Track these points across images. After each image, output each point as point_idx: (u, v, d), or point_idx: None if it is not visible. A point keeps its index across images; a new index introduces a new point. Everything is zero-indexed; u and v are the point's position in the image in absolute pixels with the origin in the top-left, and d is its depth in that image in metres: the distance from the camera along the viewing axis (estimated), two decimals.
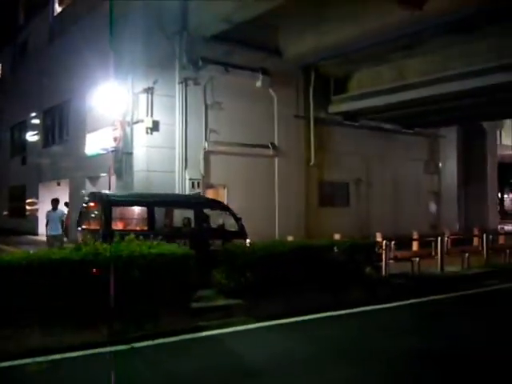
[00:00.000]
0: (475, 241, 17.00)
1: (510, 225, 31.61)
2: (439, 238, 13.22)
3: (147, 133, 16.16)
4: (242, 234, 11.31)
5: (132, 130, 16.35)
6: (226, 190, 17.57)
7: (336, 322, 8.54)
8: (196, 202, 12.38)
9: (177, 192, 16.41)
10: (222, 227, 11.88)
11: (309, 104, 20.16)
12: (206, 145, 17.32)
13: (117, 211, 10.84)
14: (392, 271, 11.59)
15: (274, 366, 6.12)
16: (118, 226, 10.76)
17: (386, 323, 8.50)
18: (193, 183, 16.73)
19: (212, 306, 8.59)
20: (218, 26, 16.30)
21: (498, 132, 30.92)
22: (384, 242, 11.78)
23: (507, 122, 30.88)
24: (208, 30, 16.70)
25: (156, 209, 10.88)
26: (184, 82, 16.85)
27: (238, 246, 9.63)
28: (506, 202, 59.85)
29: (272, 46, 18.20)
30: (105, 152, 17.31)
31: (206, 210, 11.73)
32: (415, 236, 15.96)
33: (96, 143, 17.99)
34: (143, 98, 16.22)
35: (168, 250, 7.98)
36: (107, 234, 9.53)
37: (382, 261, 11.40)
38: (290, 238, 12.33)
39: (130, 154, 16.34)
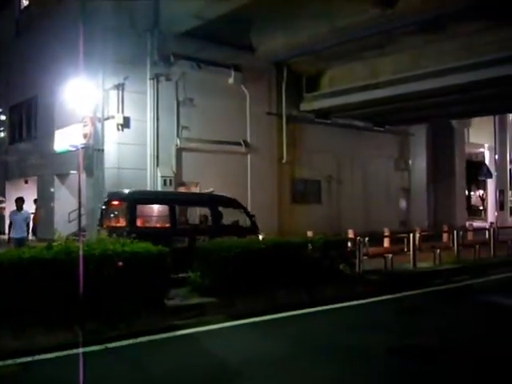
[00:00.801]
0: (445, 237, 17.23)
1: (478, 221, 32.19)
2: (411, 235, 13.33)
3: (118, 129, 15.95)
4: (254, 229, 12.03)
5: (103, 126, 16.12)
6: (198, 187, 17.43)
7: (312, 319, 8.52)
8: (212, 200, 12.73)
9: (148, 189, 16.28)
10: (236, 223, 12.28)
11: (281, 101, 20.17)
12: (178, 142, 17.18)
13: (140, 209, 11.13)
14: (366, 267, 11.63)
15: (250, 365, 6.05)
16: (141, 223, 11.08)
17: (362, 320, 8.52)
18: (165, 180, 16.58)
19: (187, 304, 8.48)
20: (190, 22, 16.16)
21: (466, 130, 31.43)
22: (358, 238, 11.81)
23: (475, 120, 31.39)
24: (180, 26, 16.56)
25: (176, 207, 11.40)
26: (155, 78, 16.69)
27: (212, 243, 9.52)
28: (473, 199, 60.95)
29: (245, 42, 18.12)
30: (74, 149, 16.99)
31: (220, 208, 12.14)
32: (387, 233, 16.08)
33: (65, 140, 17.65)
34: (114, 94, 16.00)
35: (142, 248, 7.84)
36: (133, 231, 9.66)
37: (355, 257, 11.43)
38: (261, 236, 12.33)
39: (101, 150, 16.10)
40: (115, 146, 16.01)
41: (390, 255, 12.56)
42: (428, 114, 23.24)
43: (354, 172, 23.47)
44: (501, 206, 32.64)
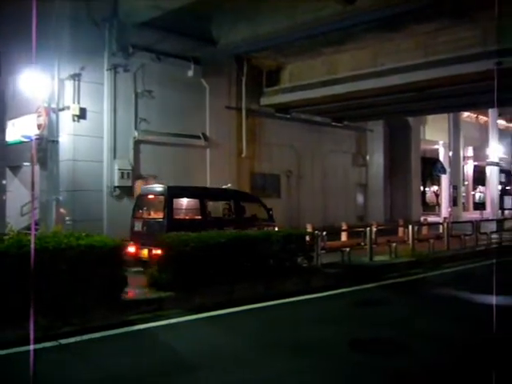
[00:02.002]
0: (400, 231, 17.57)
1: (432, 216, 32.93)
2: (368, 229, 13.51)
3: (74, 120, 15.56)
4: (271, 221, 13.78)
5: (57, 117, 15.68)
6: (156, 180, 17.21)
7: (270, 312, 8.53)
8: (235, 196, 14.32)
9: (105, 182, 16.05)
10: (254, 216, 13.80)
11: (241, 95, 20.11)
12: (136, 134, 16.92)
13: (175, 203, 12.29)
14: (324, 261, 11.72)
15: (207, 360, 6.00)
16: (177, 215, 12.32)
17: (320, 313, 8.58)
18: (122, 173, 16.30)
19: (144, 298, 8.37)
20: (149, 12, 15.88)
21: (422, 127, 32.09)
22: (316, 232, 11.89)
23: (430, 117, 32.08)
24: (139, 16, 16.25)
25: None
26: (113, 68, 16.35)
27: (169, 237, 9.42)
28: (428, 195, 62.34)
29: (205, 35, 17.94)
30: (27, 140, 16.48)
31: (242, 202, 13.81)
32: (344, 227, 16.31)
33: (18, 130, 17.12)
34: (70, 84, 15.57)
35: (98, 242, 7.67)
36: (171, 222, 11.38)
37: (313, 251, 11.50)
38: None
39: (55, 142, 15.67)
40: (70, 138, 15.61)
41: (348, 249, 12.69)
42: (385, 110, 23.58)
43: (313, 167, 23.65)
44: (454, 201, 33.48)
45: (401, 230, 17.49)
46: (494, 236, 18.25)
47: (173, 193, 12.25)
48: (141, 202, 12.94)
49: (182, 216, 12.67)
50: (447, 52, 15.90)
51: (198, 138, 18.54)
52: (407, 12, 15.01)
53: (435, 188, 51.93)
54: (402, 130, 29.16)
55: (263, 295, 9.23)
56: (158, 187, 12.85)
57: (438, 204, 42.11)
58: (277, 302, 9.01)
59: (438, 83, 17.36)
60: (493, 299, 9.08)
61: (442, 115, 32.55)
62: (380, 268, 12.59)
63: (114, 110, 16.42)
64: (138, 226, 12.38)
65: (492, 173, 40.85)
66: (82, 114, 15.71)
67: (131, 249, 11.60)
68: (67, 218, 14.99)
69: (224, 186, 16.02)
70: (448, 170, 32.44)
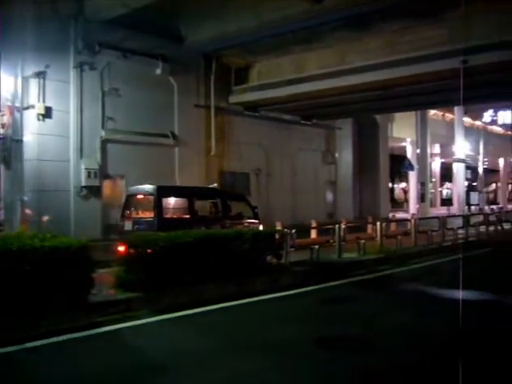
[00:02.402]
0: (369, 228, 17.73)
1: (401, 212, 33.33)
2: (336, 226, 13.60)
3: (39, 119, 15.32)
4: (256, 218, 14.23)
5: (22, 116, 15.41)
6: (124, 180, 17.07)
7: (239, 311, 8.52)
8: (221, 194, 14.85)
9: (72, 182, 15.84)
10: (240, 214, 14.19)
11: (210, 93, 20.05)
12: (103, 133, 16.74)
13: (165, 202, 12.78)
14: (293, 259, 11.76)
15: (176, 360, 5.96)
16: (166, 214, 12.77)
17: (289, 311, 8.61)
18: (89, 173, 16.12)
19: (111, 300, 8.25)
20: (116, 9, 15.71)
21: (390, 125, 32.43)
22: (285, 230, 11.92)
23: (398, 115, 32.46)
24: (105, 13, 16.08)
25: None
26: (79, 66, 16.17)
27: (137, 237, 9.32)
28: (397, 191, 63.12)
29: (172, 32, 17.85)
30: None
31: (228, 200, 14.24)
32: (314, 224, 16.37)
33: None
34: (34, 82, 15.34)
35: (63, 243, 7.54)
36: (161, 221, 11.90)
37: (283, 249, 11.52)
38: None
39: (20, 141, 15.41)
40: (35, 137, 15.36)
41: (317, 246, 12.76)
42: (353, 108, 23.80)
43: (283, 165, 23.72)
44: (422, 197, 33.98)
45: (370, 226, 17.64)
46: (461, 231, 18.58)
47: (162, 192, 12.68)
48: (130, 201, 13.31)
49: (171, 215, 13.05)
50: (414, 50, 16.12)
51: (167, 136, 18.43)
52: (374, 11, 15.17)
53: (404, 185, 52.63)
54: (370, 128, 29.44)
55: (232, 294, 9.20)
56: (148, 187, 13.06)
57: (407, 200, 42.65)
58: (245, 300, 9.00)
59: (405, 81, 17.59)
60: (459, 294, 9.25)
61: (410, 113, 32.97)
62: (348, 265, 12.69)
63: (81, 109, 16.23)
64: (128, 226, 12.66)
65: (458, 169, 41.60)
66: (48, 113, 15.48)
67: (121, 248, 11.32)
68: (33, 219, 14.74)
69: (210, 186, 16.33)
70: (416, 166, 32.97)
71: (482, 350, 6.11)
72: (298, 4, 14.62)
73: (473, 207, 40.46)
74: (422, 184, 33.78)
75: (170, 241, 8.99)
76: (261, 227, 13.57)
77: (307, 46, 18.26)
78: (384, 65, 16.64)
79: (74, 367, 5.75)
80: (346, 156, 28.40)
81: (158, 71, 18.02)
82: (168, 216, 12.78)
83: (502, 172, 57.37)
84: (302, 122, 24.87)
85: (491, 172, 60.42)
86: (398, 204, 50.97)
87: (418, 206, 32.72)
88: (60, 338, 6.63)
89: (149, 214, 12.51)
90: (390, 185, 47.44)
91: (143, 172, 17.09)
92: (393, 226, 18.98)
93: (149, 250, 8.74)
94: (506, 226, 21.74)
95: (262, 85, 20.04)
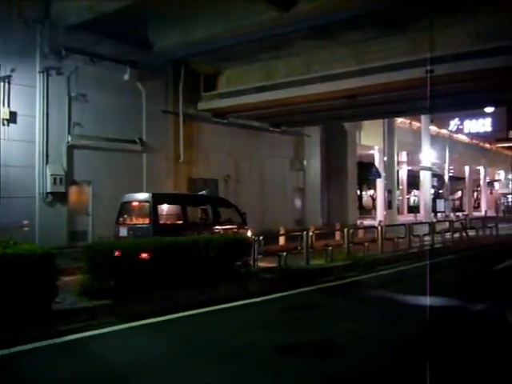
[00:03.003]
0: (337, 235, 17.86)
1: (368, 219, 33.70)
2: (304, 233, 13.66)
3: (3, 124, 15.07)
4: (244, 224, 14.75)
5: None
6: (90, 186, 16.86)
7: (206, 318, 8.47)
8: (211, 201, 15.40)
9: (37, 188, 15.57)
10: (229, 219, 14.75)
11: (178, 100, 19.97)
12: (70, 138, 16.52)
13: (159, 209, 13.21)
14: (261, 266, 11.76)
15: (142, 369, 5.89)
16: (161, 221, 13.20)
17: (256, 318, 8.60)
18: (55, 179, 15.88)
19: (76, 308, 8.12)
20: (83, 14, 15.59)
21: (358, 133, 32.81)
22: (253, 237, 11.92)
23: (366, 123, 32.86)
24: (72, 18, 15.93)
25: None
26: (45, 71, 15.95)
27: (102, 244, 9.21)
28: (365, 199, 63.83)
29: (141, 38, 17.77)
30: None
31: (218, 207, 14.83)
32: (282, 231, 16.42)
33: None
34: None
35: (26, 250, 7.40)
36: (156, 227, 12.37)
37: (251, 256, 11.52)
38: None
39: None
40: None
41: (285, 253, 12.78)
42: (321, 116, 24.00)
43: (251, 172, 23.75)
44: (389, 204, 34.40)
45: (338, 233, 17.77)
46: (427, 238, 18.85)
47: (157, 200, 13.19)
48: (125, 208, 13.73)
49: (165, 221, 13.47)
50: (379, 60, 16.37)
51: (134, 142, 18.29)
52: (341, 21, 15.37)
53: (372, 192, 53.27)
54: (338, 136, 29.76)
55: (199, 301, 9.14)
56: (143, 195, 13.76)
57: (374, 207, 43.17)
58: (212, 308, 8.95)
59: (372, 90, 17.84)
60: (424, 300, 9.39)
61: (378, 121, 33.40)
62: (316, 272, 12.74)
63: (47, 114, 16.00)
64: (124, 232, 13.06)
65: (425, 177, 42.27)
66: (13, 118, 15.25)
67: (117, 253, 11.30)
68: None
69: (200, 193, 16.64)
70: (383, 174, 33.39)
71: (447, 355, 6.20)
72: (267, 12, 14.72)
73: (439, 214, 41.18)
74: (389, 191, 34.21)
75: (137, 248, 8.90)
76: (249, 232, 14.07)
77: (275, 54, 18.37)
78: (351, 74, 16.86)
79: (33, 378, 5.63)
80: (314, 163, 28.60)
81: (126, 77, 17.90)
82: (163, 222, 13.19)
83: (467, 180, 58.54)
84: (271, 128, 24.98)
85: (457, 180, 61.68)
86: (367, 211, 51.60)
87: (385, 213, 33.11)
88: (22, 348, 6.48)
89: (144, 221, 13.00)
90: (359, 192, 48.00)
91: (110, 178, 16.94)
92: (360, 232, 19.18)
93: (117, 253, 8.65)
94: (471, 233, 22.15)
95: (231, 92, 20.07)
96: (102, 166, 17.18)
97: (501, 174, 70.80)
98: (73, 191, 16.86)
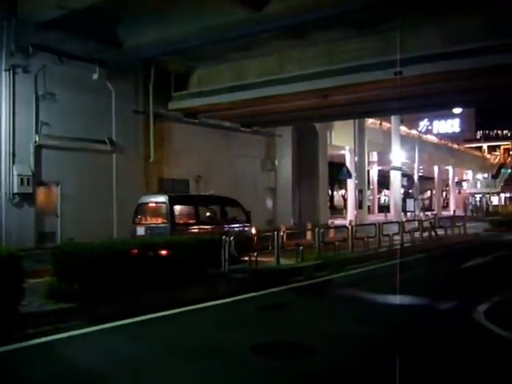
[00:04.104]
0: (308, 235, 17.94)
1: (340, 219, 33.92)
2: (275, 233, 13.66)
3: None
4: (249, 222, 15.56)
5: None
6: (59, 187, 16.60)
7: (177, 320, 8.40)
8: (220, 201, 16.02)
9: (3, 189, 15.29)
10: (235, 218, 15.49)
11: (148, 99, 19.80)
12: (37, 138, 16.23)
13: (176, 210, 13.96)
14: (231, 266, 11.72)
15: (111, 371, 5.81)
16: (177, 220, 13.90)
17: (226, 319, 8.57)
18: (22, 179, 15.59)
19: (43, 311, 7.97)
20: (52, 11, 15.30)
21: (329, 133, 33.01)
22: (224, 237, 11.86)
23: (337, 124, 33.09)
24: (41, 15, 15.63)
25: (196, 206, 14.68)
26: (12, 69, 15.65)
27: (70, 246, 9.06)
28: (336, 198, 64.30)
29: (111, 37, 17.52)
30: None
31: (225, 206, 15.60)
32: (253, 231, 16.40)
33: None
34: None
35: None
36: (174, 226, 13.22)
37: (222, 256, 11.47)
38: (253, 229, 12.46)
39: None
40: None
41: (255, 253, 12.76)
42: (293, 116, 24.06)
43: (223, 172, 23.68)
44: (360, 204, 34.71)
45: (309, 233, 17.84)
46: (396, 237, 19.05)
47: (173, 201, 13.97)
48: (141, 209, 14.61)
49: (180, 220, 14.14)
50: (350, 60, 16.46)
51: (104, 142, 18.07)
52: (312, 21, 15.43)
53: (343, 192, 53.65)
54: (309, 136, 29.89)
55: (170, 303, 9.06)
56: (160, 196, 14.79)
57: (346, 207, 43.50)
58: (183, 309, 8.88)
59: (342, 90, 17.95)
60: (394, 299, 9.49)
61: (348, 121, 33.67)
62: (287, 271, 12.76)
63: (13, 113, 15.71)
64: (141, 231, 13.80)
65: (395, 177, 42.80)
66: None
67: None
68: None
69: (207, 193, 17.17)
70: (354, 174, 33.68)
71: (415, 355, 6.25)
72: (239, 11, 14.68)
73: (409, 214, 41.67)
74: (360, 191, 34.53)
75: (105, 249, 8.79)
76: (253, 230, 15.27)
77: (247, 54, 18.35)
78: (321, 74, 16.92)
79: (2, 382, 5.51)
80: (285, 163, 28.66)
81: (96, 76, 17.68)
82: (178, 221, 13.93)
83: (436, 179, 59.48)
84: (242, 129, 24.96)
85: (426, 179, 62.61)
86: (338, 211, 51.92)
87: (356, 212, 33.40)
88: None
89: (162, 220, 13.81)
90: (330, 192, 48.29)
91: (79, 178, 16.71)
92: (331, 232, 19.31)
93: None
94: (440, 232, 22.47)
95: (202, 91, 19.98)
96: (71, 167, 16.93)
97: (469, 174, 72.13)
98: (41, 192, 16.57)
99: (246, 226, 15.35)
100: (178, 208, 14.26)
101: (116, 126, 18.56)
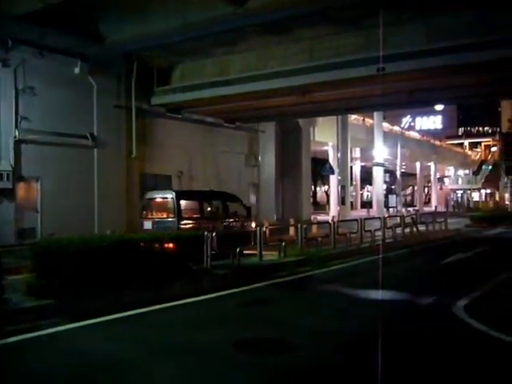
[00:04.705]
0: (291, 230, 17.96)
1: (322, 215, 34.04)
2: (258, 229, 13.66)
3: None
4: (249, 217, 16.52)
5: None
6: (39, 182, 16.41)
7: (158, 316, 8.35)
8: (222, 196, 16.76)
9: None
10: (236, 212, 16.08)
11: (131, 94, 19.62)
12: (17, 133, 16.03)
13: (182, 204, 14.61)
14: (214, 262, 11.69)
15: (85, 372, 5.72)
16: (183, 215, 14.49)
17: (209, 315, 8.54)
18: (1, 175, 15.38)
19: (21, 308, 7.88)
20: (32, 5, 15.08)
21: (312, 129, 33.05)
22: (205, 233, 11.83)
23: (320, 120, 33.14)
24: (19, 8, 15.39)
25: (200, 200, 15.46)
26: None
27: (48, 241, 8.96)
28: (319, 194, 64.52)
29: (93, 31, 17.34)
30: None
31: (227, 201, 16.17)
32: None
33: None
34: None
35: None
36: (180, 220, 13.99)
37: (203, 252, 11.44)
38: (108, 233, 12.05)
39: None
40: None
41: (238, 249, 12.73)
42: (276, 112, 24.06)
43: (206, 167, 23.61)
44: (342, 200, 34.83)
45: (292, 229, 17.86)
46: (378, 233, 19.15)
47: (180, 196, 14.71)
48: (149, 204, 15.48)
49: (186, 215, 14.65)
50: (333, 57, 16.49)
51: (85, 137, 17.89)
52: (295, 16, 15.41)
53: (326, 188, 53.83)
54: (292, 132, 29.90)
55: (152, 299, 9.00)
56: (167, 192, 15.43)
57: (329, 203, 43.65)
58: (165, 305, 8.84)
59: (325, 87, 17.98)
60: (376, 294, 9.53)
61: (331, 118, 33.76)
62: (269, 267, 12.76)
63: None
64: (148, 225, 14.54)
65: (378, 173, 43.04)
66: None
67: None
68: None
69: (207, 189, 17.96)
70: (336, 170, 33.78)
71: (399, 348, 6.29)
72: (221, 7, 14.61)
73: (391, 209, 41.97)
74: (343, 187, 34.63)
75: (83, 245, 8.70)
76: (253, 224, 16.03)
77: (230, 49, 18.29)
78: (303, 70, 16.93)
79: None
80: (269, 159, 28.65)
81: (77, 70, 17.48)
82: (184, 216, 14.49)
83: (418, 175, 59.95)
84: (226, 124, 24.89)
85: (408, 176, 63.12)
86: (321, 206, 52.16)
87: (338, 208, 33.51)
88: None
89: (169, 215, 14.47)
90: (313, 188, 48.40)
91: (60, 174, 16.53)
92: (314, 228, 19.36)
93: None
94: (421, 228, 22.64)
95: (185, 86, 19.87)
96: (52, 162, 16.75)
97: (450, 170, 72.83)
98: (21, 187, 16.38)
99: (246, 221, 16.09)
100: (183, 203, 14.79)
101: (98, 120, 18.37)
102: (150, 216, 15.10)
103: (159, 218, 14.88)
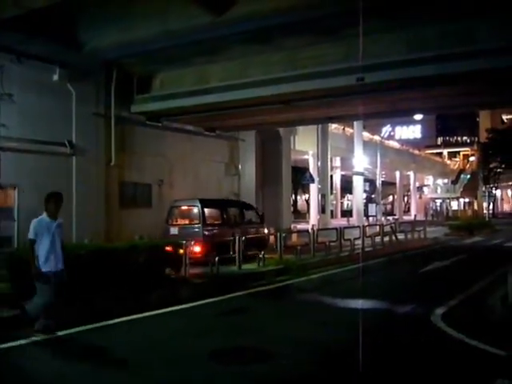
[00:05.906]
0: (271, 239, 17.97)
1: (303, 223, 34.10)
2: (237, 238, 13.64)
3: None
4: (262, 223, 18.11)
5: None
6: (16, 190, 16.18)
7: (132, 326, 8.26)
8: (239, 205, 18.91)
9: None
10: (250, 219, 17.94)
11: (110, 102, 19.47)
12: None
13: (206, 212, 15.86)
14: (192, 271, 11.64)
15: (62, 379, 5.66)
16: (208, 221, 15.81)
17: (186, 324, 8.49)
18: None
19: None
20: (8, 10, 14.84)
21: (293, 138, 33.16)
22: (184, 242, 11.78)
23: (301, 128, 33.27)
24: None
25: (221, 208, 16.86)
26: None
27: (24, 250, 8.83)
28: (300, 203, 64.69)
29: (73, 37, 17.13)
30: None
31: (243, 209, 18.08)
32: None
33: None
34: None
35: None
36: (204, 226, 15.31)
37: (181, 261, 11.37)
38: (86, 241, 11.90)
39: None
40: None
41: (217, 258, 12.69)
42: (256, 121, 24.06)
43: (186, 176, 23.47)
44: (323, 209, 34.97)
45: (271, 237, 17.88)
46: (358, 242, 19.25)
47: (204, 204, 15.96)
48: (174, 211, 16.86)
49: (209, 221, 15.88)
50: (314, 66, 16.53)
51: (64, 145, 17.66)
52: (276, 26, 15.42)
53: (306, 196, 53.96)
54: (273, 141, 29.94)
55: (128, 308, 8.92)
56: (192, 200, 16.77)
57: (309, 212, 43.77)
58: (142, 315, 8.76)
59: (305, 96, 18.03)
60: (355, 303, 9.56)
61: (311, 126, 33.91)
62: (248, 276, 12.76)
63: None
64: (174, 231, 15.59)
65: (358, 182, 43.31)
66: None
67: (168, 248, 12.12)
68: None
69: (225, 198, 20.17)
70: (317, 179, 33.91)
71: (376, 357, 6.29)
72: (203, 15, 14.56)
73: (371, 218, 42.24)
74: (323, 196, 34.77)
75: None
76: (265, 230, 17.82)
77: (211, 58, 18.24)
78: (285, 79, 16.94)
79: None
80: (249, 168, 28.60)
81: (56, 77, 17.25)
82: (208, 222, 15.72)
83: (398, 185, 60.45)
84: (206, 133, 24.81)
85: (388, 184, 63.66)
86: (301, 215, 52.27)
87: (318, 217, 33.62)
88: None
89: (195, 221, 15.74)
90: (294, 196, 48.48)
91: (38, 182, 16.28)
92: (294, 236, 19.39)
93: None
94: (400, 236, 22.83)
95: (165, 95, 19.75)
96: (29, 169, 16.49)
97: (429, 180, 73.59)
98: (6, 196, 16.12)
99: (260, 227, 17.65)
100: (207, 210, 15.97)
101: (76, 128, 18.16)
102: (175, 222, 16.36)
103: (185, 224, 16.10)
